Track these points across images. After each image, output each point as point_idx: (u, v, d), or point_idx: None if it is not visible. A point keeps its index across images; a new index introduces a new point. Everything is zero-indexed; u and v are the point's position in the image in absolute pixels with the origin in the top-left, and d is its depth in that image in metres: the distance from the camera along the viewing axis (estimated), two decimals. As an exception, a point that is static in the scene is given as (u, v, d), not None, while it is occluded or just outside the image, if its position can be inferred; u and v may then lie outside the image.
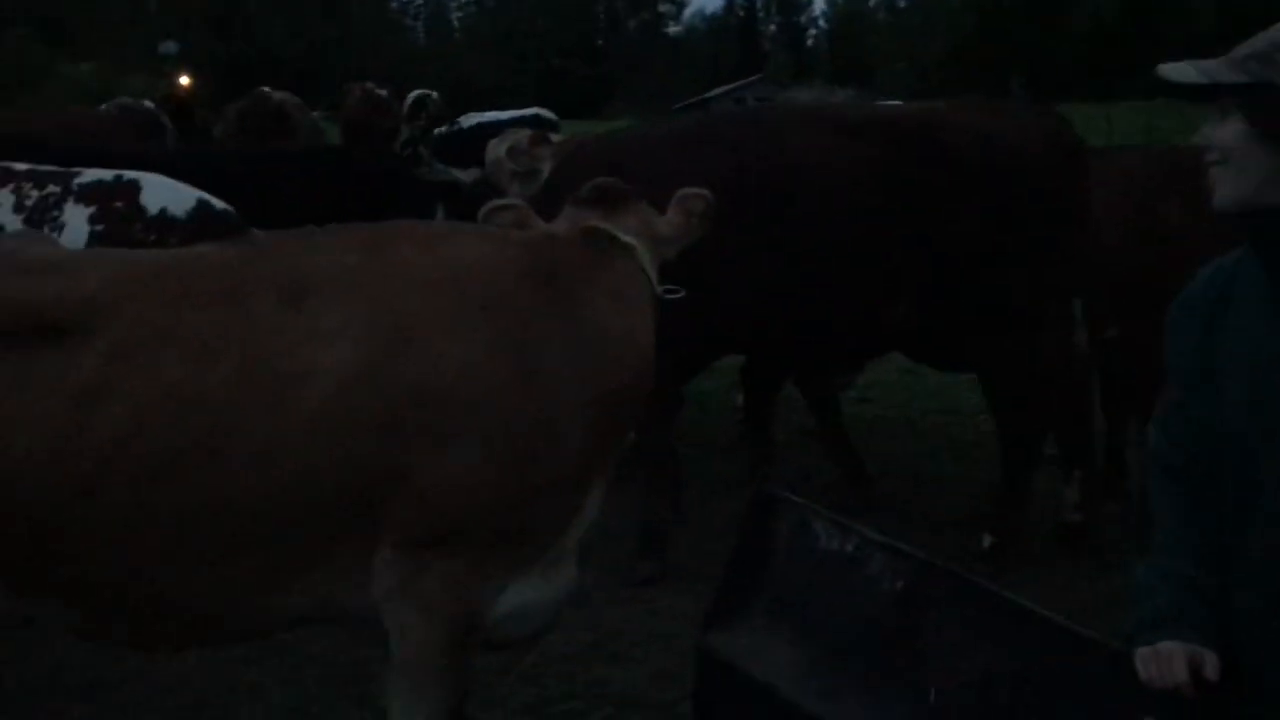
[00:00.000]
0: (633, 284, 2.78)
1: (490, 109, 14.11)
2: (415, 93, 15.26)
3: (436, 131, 11.13)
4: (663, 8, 79.68)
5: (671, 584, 4.58)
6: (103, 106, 11.09)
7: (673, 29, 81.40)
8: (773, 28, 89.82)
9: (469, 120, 12.09)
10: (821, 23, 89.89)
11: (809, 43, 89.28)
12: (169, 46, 31.82)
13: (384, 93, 13.92)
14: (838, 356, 5.28)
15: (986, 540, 4.79)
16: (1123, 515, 5.21)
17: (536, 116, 11.21)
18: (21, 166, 4.79)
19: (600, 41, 75.06)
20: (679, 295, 2.84)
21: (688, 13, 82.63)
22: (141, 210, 4.58)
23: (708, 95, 46.87)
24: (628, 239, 2.78)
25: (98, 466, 2.35)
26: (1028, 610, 2.31)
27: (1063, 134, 4.85)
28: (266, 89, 12.97)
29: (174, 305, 2.45)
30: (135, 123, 10.31)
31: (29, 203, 4.59)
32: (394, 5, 72.46)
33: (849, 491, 5.51)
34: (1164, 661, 1.93)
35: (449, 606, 2.55)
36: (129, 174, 4.72)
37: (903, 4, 78.93)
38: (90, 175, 4.72)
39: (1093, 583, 4.63)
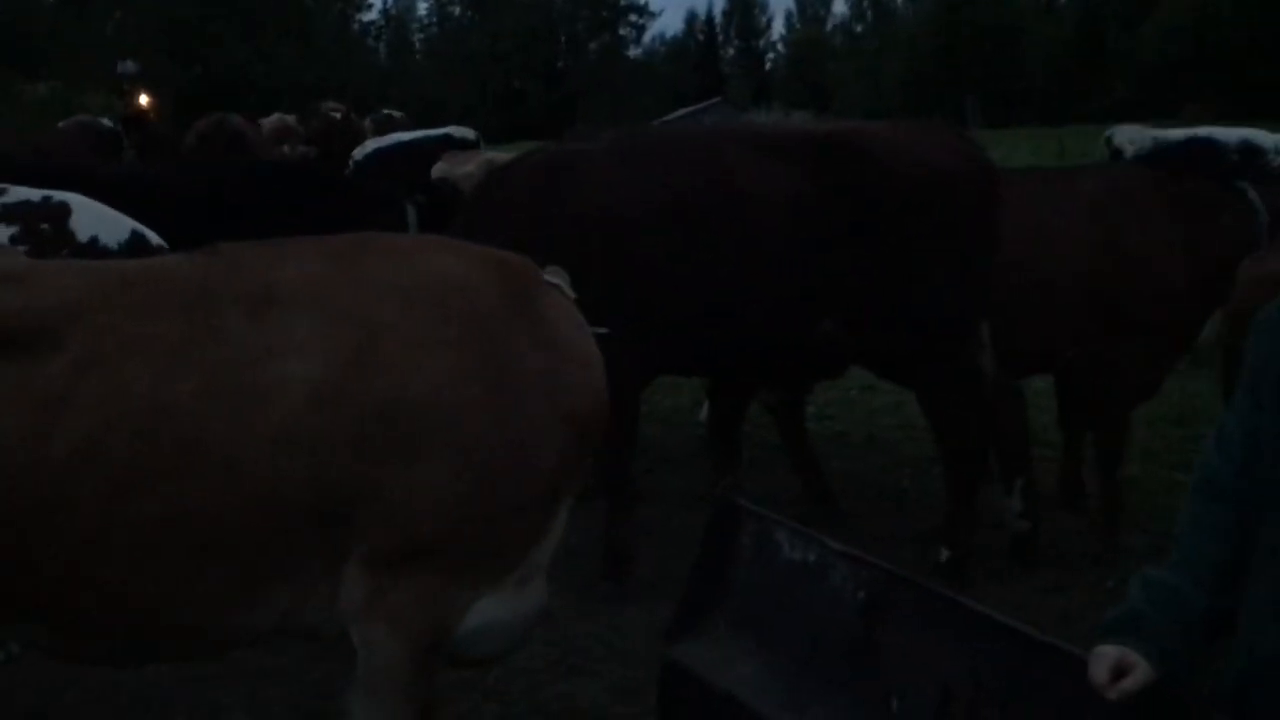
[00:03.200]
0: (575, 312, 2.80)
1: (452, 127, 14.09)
2: (383, 111, 15.29)
3: (353, 154, 10.90)
4: (623, 30, 79.98)
5: (634, 599, 4.59)
6: (61, 124, 10.98)
7: (633, 52, 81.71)
8: (732, 51, 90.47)
9: (376, 144, 11.59)
10: (780, 47, 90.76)
11: (768, 66, 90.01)
12: (128, 66, 31.50)
13: (338, 115, 13.92)
14: (771, 372, 5.29)
15: (944, 554, 4.86)
16: (1084, 530, 5.30)
17: (448, 137, 11.06)
18: None
19: (561, 63, 75.18)
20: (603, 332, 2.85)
21: (648, 36, 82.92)
22: (69, 235, 4.36)
23: (668, 117, 47.09)
24: (552, 279, 2.80)
25: (63, 479, 2.33)
26: (987, 616, 2.35)
27: (975, 155, 4.91)
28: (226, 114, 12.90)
29: (140, 316, 2.44)
30: (93, 140, 10.23)
31: None
32: (355, 26, 72.17)
33: (812, 506, 5.55)
34: (1094, 662, 1.99)
35: (416, 623, 2.54)
36: (59, 195, 4.48)
37: (859, 29, 79.92)
38: (16, 194, 4.47)
39: (1047, 595, 4.70)
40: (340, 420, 2.41)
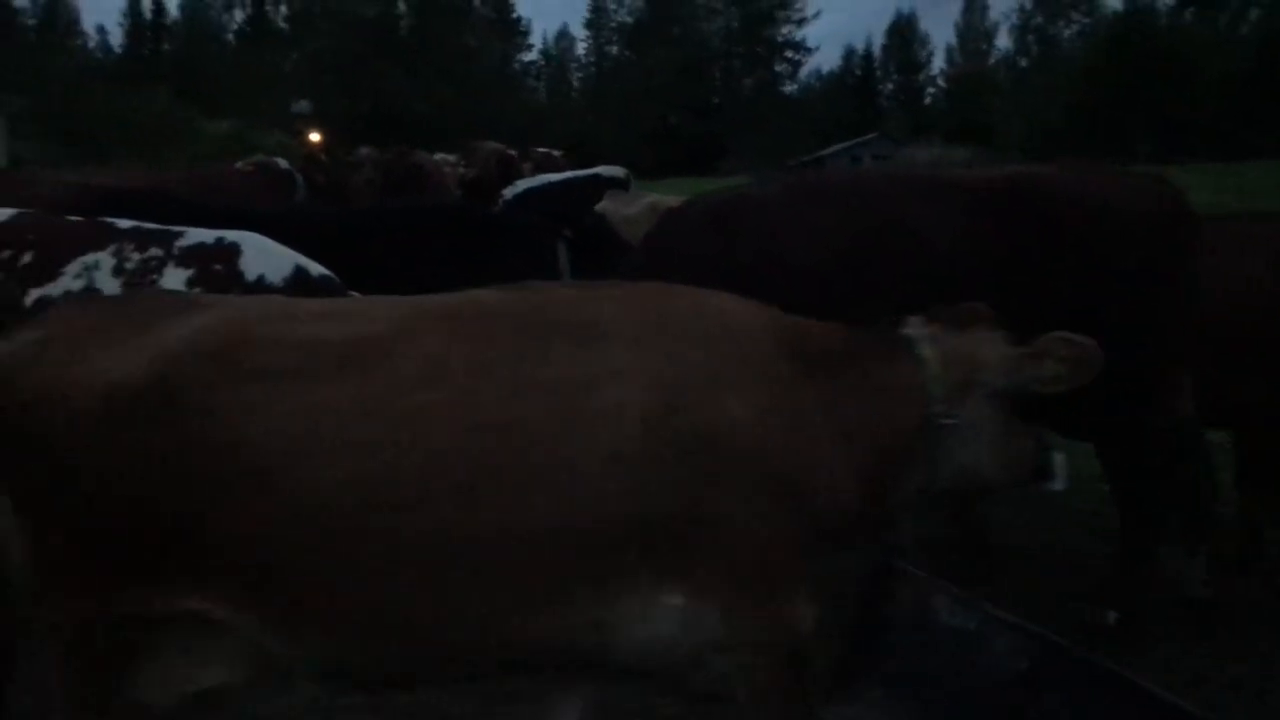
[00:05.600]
0: (898, 386, 2.88)
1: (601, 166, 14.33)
2: (541, 150, 15.60)
3: (504, 193, 11.13)
4: (779, 67, 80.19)
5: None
6: (238, 164, 11.51)
7: (788, 87, 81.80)
8: (890, 86, 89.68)
9: (526, 184, 11.82)
10: (940, 81, 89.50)
11: (926, 100, 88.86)
12: (302, 106, 33.13)
13: (506, 153, 14.27)
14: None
15: (1111, 616, 4.61)
16: (1261, 595, 4.99)
17: (596, 176, 11.16)
18: (125, 224, 4.73)
19: (715, 100, 75.78)
20: (951, 421, 2.87)
21: (804, 71, 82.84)
22: (239, 275, 4.51)
23: (823, 153, 46.88)
24: (924, 351, 2.90)
25: (408, 493, 2.41)
26: (1150, 692, 2.22)
27: (1169, 199, 4.63)
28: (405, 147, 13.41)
29: (471, 340, 2.56)
30: (269, 180, 10.69)
31: (129, 265, 4.53)
32: (516, 66, 74.26)
33: (970, 562, 5.37)
34: None
35: (772, 643, 2.60)
36: (231, 236, 4.64)
37: (1025, 63, 78.21)
38: (192, 237, 4.63)
39: (1224, 665, 4.42)
40: (663, 446, 2.51)
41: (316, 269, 4.60)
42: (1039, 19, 78.47)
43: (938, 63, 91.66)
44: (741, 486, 2.55)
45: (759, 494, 2.56)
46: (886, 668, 2.65)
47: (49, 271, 4.47)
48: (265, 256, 4.58)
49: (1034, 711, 2.36)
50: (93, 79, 49.87)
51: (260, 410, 2.41)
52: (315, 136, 22.77)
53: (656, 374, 2.56)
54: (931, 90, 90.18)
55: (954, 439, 2.86)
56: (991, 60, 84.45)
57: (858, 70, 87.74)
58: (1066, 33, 75.52)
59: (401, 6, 72.48)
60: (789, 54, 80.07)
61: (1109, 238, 4.42)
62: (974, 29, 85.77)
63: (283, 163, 11.58)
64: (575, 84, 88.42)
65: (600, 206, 7.57)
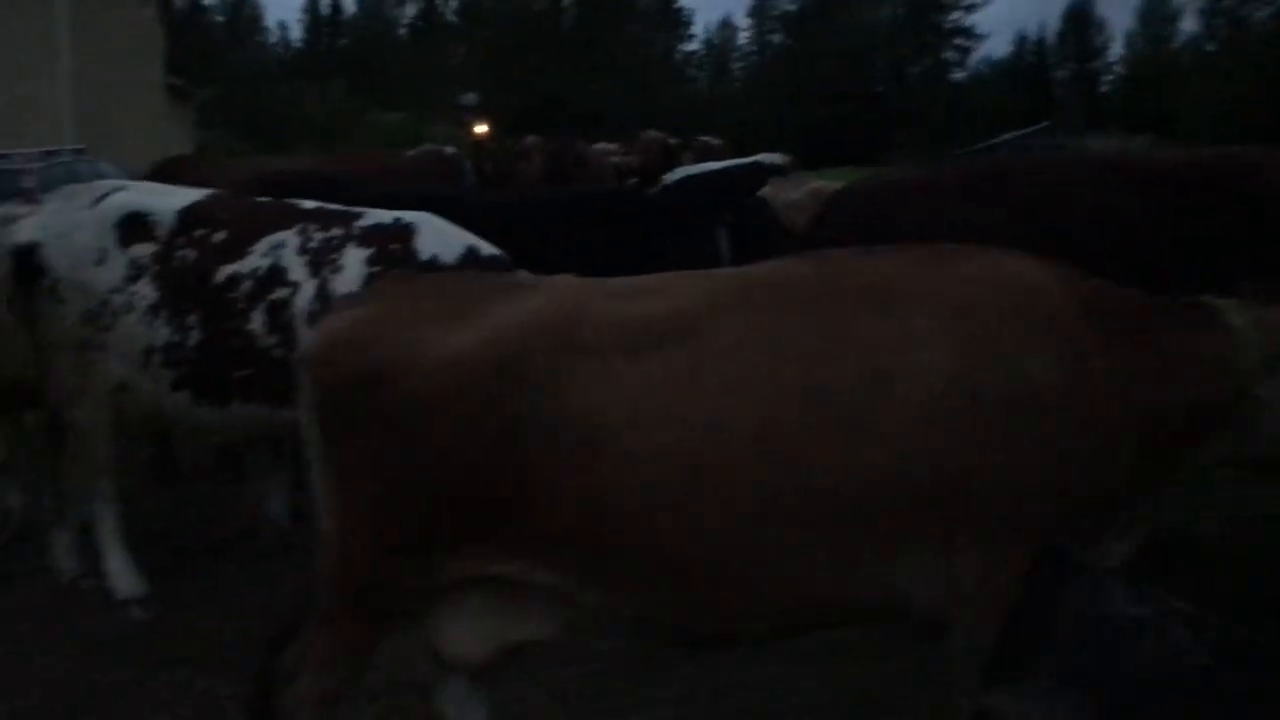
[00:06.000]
0: (1205, 355, 2.82)
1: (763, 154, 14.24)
2: (701, 139, 15.63)
3: (664, 179, 11.20)
4: (947, 54, 78.16)
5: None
6: (409, 152, 11.90)
7: (958, 75, 79.65)
8: (1064, 74, 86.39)
9: (685, 171, 11.87)
10: (1117, 68, 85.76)
11: (1103, 88, 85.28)
12: (469, 98, 33.85)
13: (673, 140, 14.40)
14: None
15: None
16: None
17: (757, 164, 11.10)
18: (309, 205, 4.95)
19: (881, 88, 74.37)
20: (1262, 393, 2.81)
21: (973, 58, 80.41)
22: (414, 254, 4.66)
23: (993, 142, 45.54)
24: (1235, 321, 2.86)
25: (726, 459, 2.54)
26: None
27: None
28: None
29: (777, 310, 2.67)
30: (438, 167, 11.02)
31: (312, 244, 4.72)
32: (678, 56, 74.48)
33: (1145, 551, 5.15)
34: None
35: (1005, 605, 2.63)
36: (407, 217, 4.81)
37: (1211, 47, 74.25)
38: (370, 218, 4.82)
39: None
40: (965, 407, 2.57)
41: (487, 249, 4.73)
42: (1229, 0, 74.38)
43: (1116, 49, 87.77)
44: (1037, 448, 2.58)
45: (1054, 456, 2.59)
46: (1052, 655, 2.58)
47: (239, 250, 4.73)
48: (439, 236, 4.73)
49: (1213, 705, 2.27)
50: (273, 72, 52.17)
51: (595, 383, 2.57)
52: (481, 128, 23.29)
53: (957, 336, 2.60)
54: (1108, 78, 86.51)
55: (1264, 411, 2.81)
56: (1175, 45, 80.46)
57: (1030, 57, 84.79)
58: (1259, 15, 71.30)
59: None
60: (958, 41, 77.92)
61: None
62: (1156, 12, 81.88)
63: (451, 149, 11.92)
64: (737, 74, 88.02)
65: (763, 192, 7.54)
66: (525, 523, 2.59)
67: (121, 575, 5.03)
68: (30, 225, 4.93)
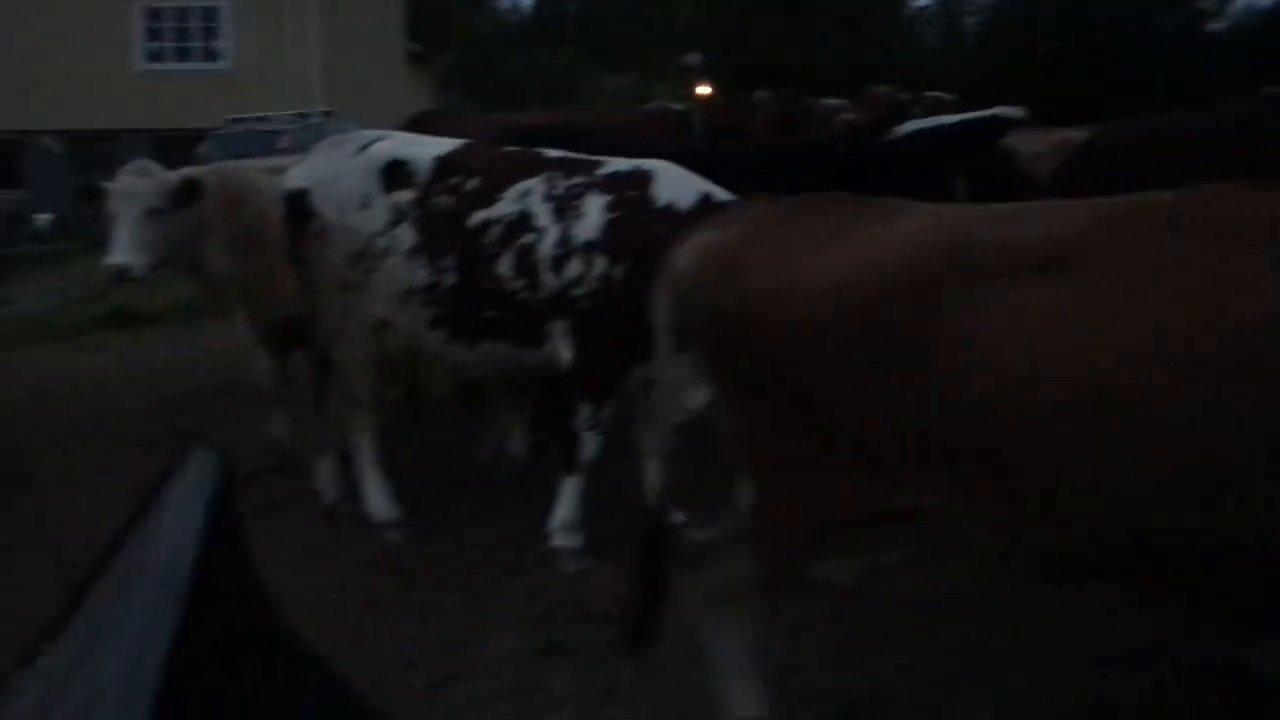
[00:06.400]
0: None
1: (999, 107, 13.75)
2: (932, 94, 15.26)
3: (895, 130, 10.95)
4: (1204, 3, 72.93)
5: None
6: (645, 107, 12.14)
7: (1214, 26, 74.24)
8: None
9: (917, 124, 11.52)
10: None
11: (1382, 37, 77.72)
12: (693, 58, 33.91)
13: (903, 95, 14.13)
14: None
15: None
16: None
17: (994, 117, 10.63)
18: (554, 154, 5.09)
19: (1127, 41, 70.05)
20: None
21: (1234, 7, 74.68)
22: (650, 201, 4.77)
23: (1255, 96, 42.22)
24: None
25: (1119, 389, 2.46)
26: None
27: None
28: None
29: (1149, 243, 2.55)
30: (669, 122, 11.20)
31: (557, 191, 4.87)
32: (907, 11, 72.31)
33: None
34: None
35: None
36: (646, 164, 4.90)
37: None
38: (610, 166, 4.94)
39: None
40: None
41: (721, 195, 4.79)
42: None
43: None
44: None
45: None
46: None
47: (490, 196, 4.95)
48: (676, 184, 4.83)
49: None
50: (507, 38, 53.59)
51: (988, 308, 2.50)
52: (704, 89, 23.26)
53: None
54: (1390, 25, 78.72)
55: None
56: None
57: (1298, 4, 78.12)
58: None
59: (794, -44, 72.32)
60: (1215, -12, 72.64)
61: None
62: None
63: (679, 105, 12.09)
64: (970, 29, 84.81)
65: (1004, 143, 7.32)
66: (920, 453, 2.54)
67: (378, 501, 5.38)
68: (300, 172, 5.30)
